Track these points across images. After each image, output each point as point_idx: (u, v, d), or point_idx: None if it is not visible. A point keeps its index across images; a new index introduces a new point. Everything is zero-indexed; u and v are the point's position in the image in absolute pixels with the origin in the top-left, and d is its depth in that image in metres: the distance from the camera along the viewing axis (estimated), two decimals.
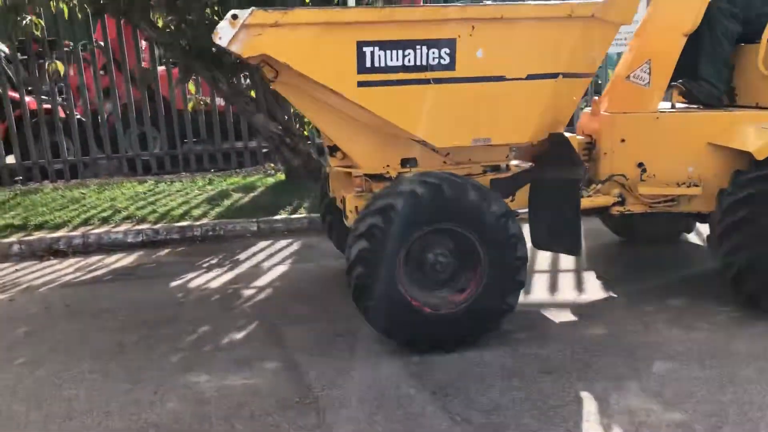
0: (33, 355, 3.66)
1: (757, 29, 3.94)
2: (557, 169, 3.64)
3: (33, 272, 5.32)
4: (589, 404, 2.86)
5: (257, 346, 3.64)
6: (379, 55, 3.23)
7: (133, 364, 3.48)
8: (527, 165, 4.04)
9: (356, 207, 3.66)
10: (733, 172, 3.73)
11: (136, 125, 8.71)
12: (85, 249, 5.86)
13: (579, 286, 4.37)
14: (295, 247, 5.70)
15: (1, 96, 8.05)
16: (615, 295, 4.17)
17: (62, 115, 8.56)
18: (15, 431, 2.90)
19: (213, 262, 5.35)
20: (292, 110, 7.42)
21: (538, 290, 4.29)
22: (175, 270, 5.15)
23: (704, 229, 5.34)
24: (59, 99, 8.78)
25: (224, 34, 3.08)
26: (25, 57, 8.47)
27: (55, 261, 5.61)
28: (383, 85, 3.27)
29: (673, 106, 4.19)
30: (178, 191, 7.45)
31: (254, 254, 5.52)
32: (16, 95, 8.35)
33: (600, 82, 8.54)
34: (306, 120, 7.56)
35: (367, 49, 3.21)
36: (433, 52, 3.27)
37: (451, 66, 3.30)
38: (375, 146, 3.66)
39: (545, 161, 3.74)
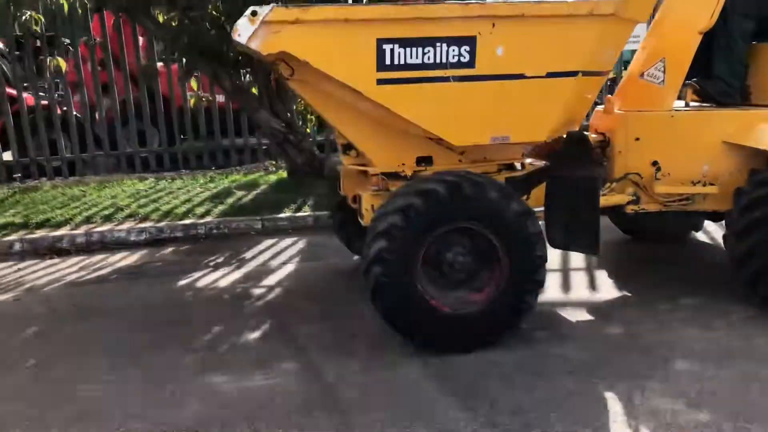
0: (44, 356, 3.61)
1: None
2: (576, 167, 3.62)
3: (36, 271, 5.26)
4: (614, 404, 2.84)
5: (272, 346, 3.61)
6: (399, 53, 3.19)
7: (148, 364, 3.43)
8: (541, 163, 4.03)
9: (372, 205, 3.63)
10: (750, 170, 3.72)
11: (134, 122, 8.64)
12: (88, 247, 5.81)
13: (592, 284, 4.36)
14: (301, 245, 5.66)
15: None
16: (629, 294, 4.16)
17: (59, 111, 8.47)
18: None
19: (219, 260, 5.31)
20: (294, 107, 7.38)
21: (551, 289, 4.26)
22: (182, 269, 5.10)
23: (711, 227, 5.36)
24: (56, 95, 8.69)
25: (243, 31, 3.04)
26: (18, 53, 8.37)
27: (57, 260, 5.56)
28: (403, 83, 3.24)
29: (687, 105, 4.18)
30: (179, 189, 7.40)
31: (260, 252, 5.48)
32: (13, 92, 8.25)
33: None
34: (309, 117, 7.52)
35: (387, 47, 3.17)
36: (453, 50, 3.24)
37: (471, 64, 3.27)
38: (391, 144, 3.63)
39: (564, 160, 3.72)
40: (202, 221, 6.13)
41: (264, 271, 4.95)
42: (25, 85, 8.51)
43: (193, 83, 7.53)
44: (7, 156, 8.39)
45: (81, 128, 8.42)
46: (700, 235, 5.29)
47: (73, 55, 8.44)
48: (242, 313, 4.12)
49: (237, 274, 4.90)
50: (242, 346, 3.63)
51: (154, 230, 5.98)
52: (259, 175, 8.06)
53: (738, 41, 4.05)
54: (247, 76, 7.15)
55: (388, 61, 3.19)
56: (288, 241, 5.79)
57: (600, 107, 4.35)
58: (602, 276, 4.50)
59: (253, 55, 3.85)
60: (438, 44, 3.21)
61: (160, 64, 8.89)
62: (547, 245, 3.51)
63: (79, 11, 7.40)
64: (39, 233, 5.93)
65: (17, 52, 8.37)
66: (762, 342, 3.39)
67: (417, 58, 3.22)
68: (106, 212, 6.41)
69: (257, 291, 4.52)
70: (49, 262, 5.49)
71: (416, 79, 3.25)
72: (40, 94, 8.37)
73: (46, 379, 3.34)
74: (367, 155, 3.70)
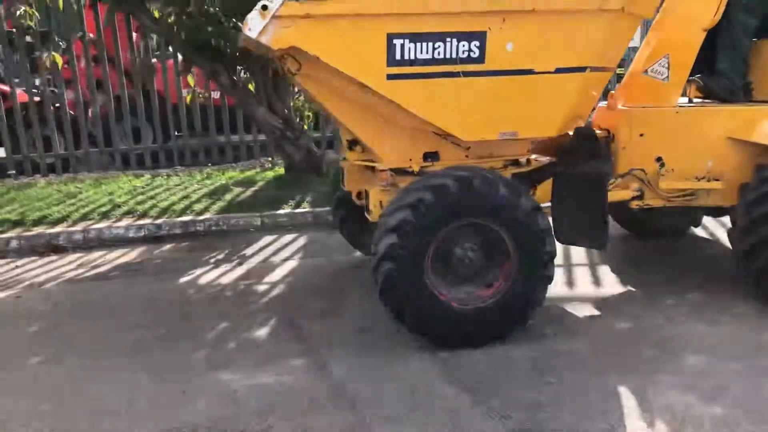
0: (49, 353, 3.58)
1: None
2: (585, 163, 3.62)
3: (34, 268, 5.21)
4: (628, 399, 2.85)
5: (280, 343, 3.59)
6: (409, 48, 3.18)
7: (156, 362, 3.40)
8: (545, 159, 4.03)
9: (380, 201, 3.62)
10: (755, 166, 3.74)
11: (129, 119, 8.57)
12: (86, 244, 5.77)
13: (596, 280, 4.38)
14: (301, 241, 5.64)
15: None
16: (633, 289, 4.18)
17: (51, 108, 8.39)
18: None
19: (220, 257, 5.28)
20: (291, 104, 7.35)
21: (555, 284, 4.24)
22: (182, 266, 5.07)
23: (710, 222, 5.40)
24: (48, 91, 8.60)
25: (254, 25, 3.01)
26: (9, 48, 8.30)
27: (55, 257, 5.51)
28: (412, 78, 3.22)
29: (690, 101, 4.20)
30: (176, 185, 7.35)
31: (261, 249, 5.46)
32: (5, 88, 8.17)
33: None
34: (306, 114, 7.50)
35: (398, 42, 3.16)
36: (463, 45, 3.22)
37: (480, 59, 3.26)
38: (398, 140, 3.61)
39: (571, 156, 3.72)
40: (200, 218, 6.09)
41: (266, 267, 4.93)
42: (17, 80, 8.42)
43: (190, 80, 7.47)
44: (0, 152, 8.31)
45: (75, 125, 8.34)
46: (698, 230, 5.32)
47: (66, 51, 8.36)
48: (247, 309, 4.10)
49: (239, 271, 4.87)
50: (250, 342, 3.61)
51: (152, 227, 5.94)
52: (256, 171, 8.03)
53: (741, 38, 4.07)
54: (245, 72, 7.11)
55: (398, 56, 3.17)
56: (288, 237, 5.77)
57: (603, 103, 4.36)
58: (605, 271, 4.52)
59: (255, 50, 3.83)
60: (448, 39, 3.20)
61: (153, 60, 8.83)
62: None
63: (74, 6, 7.32)
64: (36, 230, 5.88)
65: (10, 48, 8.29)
66: None
67: (427, 53, 3.20)
68: (103, 209, 6.36)
69: (261, 288, 4.50)
70: (47, 259, 5.44)
71: (426, 74, 3.23)
72: (33, 90, 8.28)
73: (53, 377, 3.30)
74: (373, 151, 3.68)
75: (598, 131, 4.19)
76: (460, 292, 3.38)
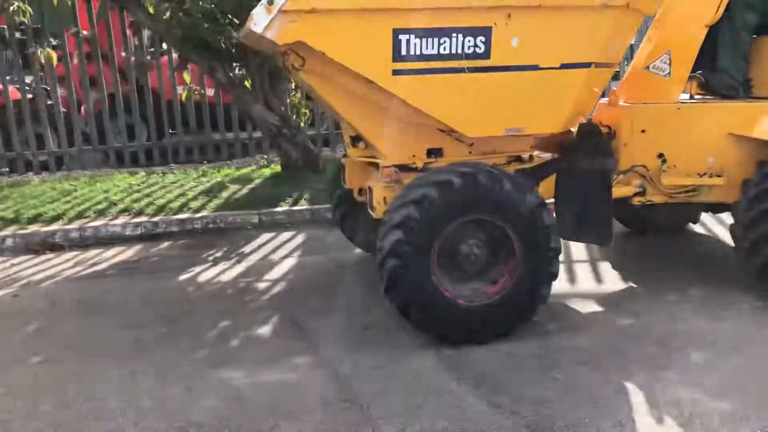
0: (49, 352, 3.54)
1: None
2: (589, 160, 3.62)
3: (31, 267, 5.17)
4: (636, 395, 2.84)
5: (282, 341, 3.57)
6: (415, 43, 3.17)
7: (158, 360, 3.37)
8: (547, 155, 4.02)
9: (384, 198, 3.60)
10: (757, 162, 3.75)
11: (123, 116, 8.51)
12: (83, 242, 5.73)
13: (597, 276, 4.38)
14: (300, 239, 5.62)
15: None
16: (634, 285, 4.18)
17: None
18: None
19: (218, 255, 5.25)
20: (288, 101, 7.32)
21: (557, 280, 4.25)
22: (180, 263, 5.04)
23: (707, 219, 5.41)
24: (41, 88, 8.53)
25: (259, 20, 2.99)
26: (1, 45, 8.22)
27: (51, 255, 5.47)
28: (418, 73, 3.21)
29: (691, 98, 4.20)
30: (172, 183, 7.31)
31: (260, 247, 5.44)
32: None
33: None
34: (303, 111, 7.47)
35: (403, 37, 3.14)
36: (469, 41, 3.22)
37: (485, 55, 3.25)
38: (402, 136, 3.59)
39: (575, 152, 3.72)
40: (197, 215, 6.06)
41: (265, 265, 4.91)
42: (8, 78, 8.34)
43: (186, 76, 7.43)
44: None
45: (68, 122, 8.27)
46: (695, 227, 5.33)
47: (58, 47, 8.28)
48: (248, 307, 4.08)
49: (238, 269, 4.85)
50: (253, 340, 3.59)
51: (149, 225, 5.90)
52: (252, 169, 7.99)
53: (742, 34, 4.08)
54: (240, 69, 7.07)
55: (404, 52, 3.16)
56: (286, 235, 5.74)
57: (604, 100, 4.36)
58: (606, 267, 4.52)
59: (256, 46, 3.81)
60: (454, 35, 3.19)
61: (147, 57, 8.76)
62: None
63: (68, 2, 7.25)
64: (31, 228, 5.82)
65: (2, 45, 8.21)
66: None
67: (433, 48, 3.19)
68: (99, 207, 6.31)
69: (261, 285, 4.47)
70: (43, 257, 5.40)
71: (431, 70, 3.22)
72: (26, 87, 8.21)
73: (54, 376, 3.27)
74: (377, 147, 3.66)
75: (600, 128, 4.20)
76: (466, 289, 3.37)
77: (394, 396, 2.93)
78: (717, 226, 5.35)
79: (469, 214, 3.27)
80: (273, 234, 5.77)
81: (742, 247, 3.77)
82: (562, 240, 3.87)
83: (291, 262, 4.97)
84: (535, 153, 4.03)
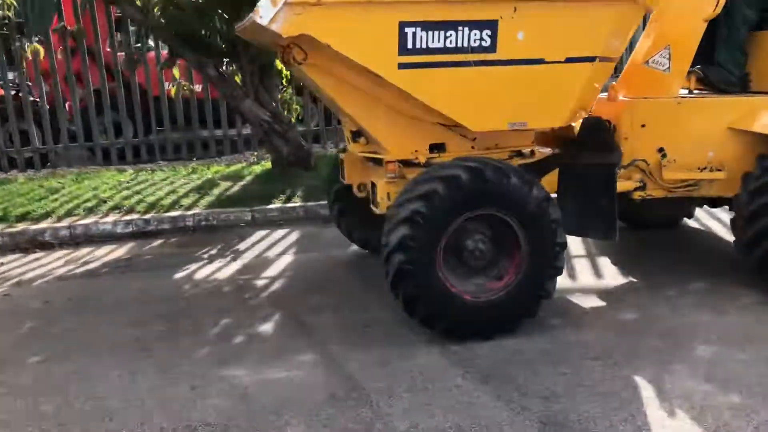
0: (46, 352, 3.46)
1: None
2: (592, 154, 3.61)
3: (21, 266, 5.07)
4: (645, 388, 2.84)
5: (285, 338, 3.52)
6: (421, 36, 3.13)
7: (160, 359, 3.32)
8: (548, 150, 4.01)
9: (388, 193, 3.57)
10: (758, 155, 3.77)
11: (110, 113, 8.39)
12: (73, 240, 5.63)
13: (597, 271, 4.38)
14: (294, 236, 5.56)
15: None
16: (635, 280, 4.19)
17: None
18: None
19: (212, 252, 5.19)
20: (279, 96, 7.25)
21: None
22: (174, 261, 4.97)
23: (701, 214, 5.44)
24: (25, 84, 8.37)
25: (265, 13, 2.94)
26: None
27: (41, 253, 5.37)
28: (424, 67, 3.18)
29: (690, 92, 4.22)
30: (162, 180, 7.21)
31: (254, 244, 5.37)
32: None
33: None
34: (294, 107, 7.40)
35: (409, 30, 3.11)
36: (475, 34, 3.19)
37: (491, 48, 3.23)
38: (404, 131, 3.56)
39: (579, 146, 3.71)
40: (189, 213, 5.98)
41: (261, 262, 4.85)
42: None
43: (175, 72, 7.33)
44: None
45: (53, 119, 8.14)
46: (690, 221, 5.36)
47: (42, 42, 8.13)
48: (248, 305, 4.02)
49: (234, 266, 4.79)
50: (255, 338, 3.53)
51: (141, 222, 5.81)
52: (242, 166, 7.91)
53: (740, 29, 4.10)
54: (230, 65, 6.99)
55: (410, 45, 3.12)
56: (280, 232, 5.69)
57: (603, 95, 4.35)
58: (606, 262, 4.52)
59: (257, 39, 3.75)
60: (460, 28, 3.16)
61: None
62: None
63: None
64: (19, 226, 5.71)
65: None
66: None
67: (439, 42, 3.16)
68: (89, 204, 6.21)
69: (259, 282, 4.42)
70: (33, 256, 5.30)
71: (437, 63, 3.19)
72: (11, 84, 8.06)
73: (55, 376, 3.20)
74: (380, 142, 3.62)
75: None
76: (471, 285, 3.35)
77: (402, 393, 2.89)
78: (710, 221, 5.38)
79: (476, 208, 3.24)
80: (267, 231, 5.71)
81: (742, 241, 3.79)
82: (571, 235, 3.90)
83: (287, 259, 4.92)
84: (536, 148, 4.02)
